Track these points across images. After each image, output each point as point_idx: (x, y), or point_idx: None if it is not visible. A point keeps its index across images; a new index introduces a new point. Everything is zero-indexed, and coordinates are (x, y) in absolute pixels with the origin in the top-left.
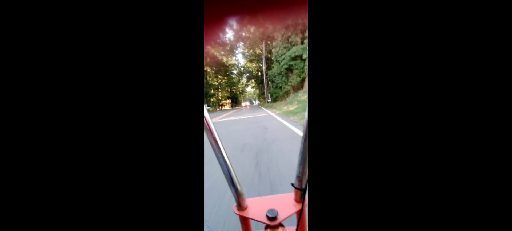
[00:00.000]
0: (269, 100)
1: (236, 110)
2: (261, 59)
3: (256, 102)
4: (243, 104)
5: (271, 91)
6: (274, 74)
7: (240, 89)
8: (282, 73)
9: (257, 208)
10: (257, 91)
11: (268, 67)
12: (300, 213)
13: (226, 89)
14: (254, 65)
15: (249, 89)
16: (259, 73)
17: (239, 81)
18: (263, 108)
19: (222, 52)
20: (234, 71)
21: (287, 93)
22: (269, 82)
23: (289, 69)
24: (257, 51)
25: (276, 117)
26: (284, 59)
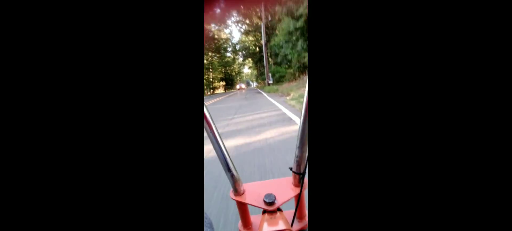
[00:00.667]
0: (271, 82)
1: (225, 96)
2: (260, 30)
3: (254, 84)
4: (237, 86)
5: (273, 70)
6: (278, 44)
7: (236, 70)
8: (294, 40)
9: (254, 193)
10: (255, 72)
11: (269, 39)
12: (298, 198)
13: (219, 69)
14: (251, 38)
15: (246, 70)
16: (257, 49)
17: (234, 60)
18: (264, 93)
19: (213, 25)
20: (229, 49)
21: (301, 69)
22: (270, 59)
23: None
24: (255, 21)
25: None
26: (299, 10)
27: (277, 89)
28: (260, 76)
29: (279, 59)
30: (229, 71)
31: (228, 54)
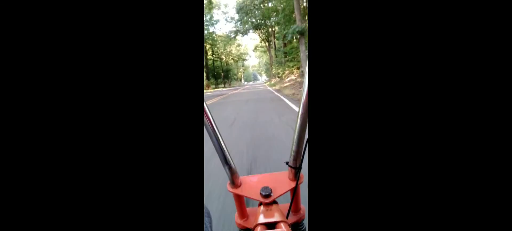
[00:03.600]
0: None
1: None
2: None
3: (262, 78)
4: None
5: None
6: None
7: (235, 55)
8: None
9: (251, 186)
10: (265, 57)
11: None
12: (294, 191)
13: None
14: None
15: (253, 60)
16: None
17: (229, 39)
18: None
19: None
20: (217, 16)
21: None
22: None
23: None
24: None
25: None
26: None
27: None
28: (279, 60)
29: None
30: (223, 55)
31: (222, 27)
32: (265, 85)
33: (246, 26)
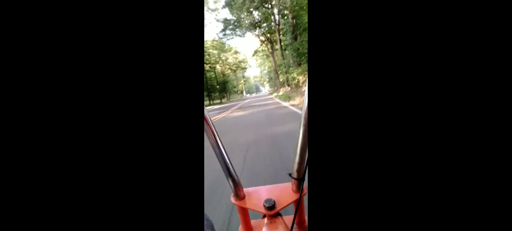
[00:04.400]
0: None
1: None
2: None
3: (266, 89)
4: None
5: None
6: None
7: (232, 64)
8: None
9: (254, 198)
10: (267, 64)
11: None
12: (297, 203)
13: None
14: None
15: (254, 70)
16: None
17: (223, 44)
18: None
19: None
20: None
21: None
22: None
23: None
24: None
25: None
26: None
27: None
28: (284, 59)
29: None
30: (217, 65)
31: (213, 30)
32: (273, 98)
33: (242, 18)
